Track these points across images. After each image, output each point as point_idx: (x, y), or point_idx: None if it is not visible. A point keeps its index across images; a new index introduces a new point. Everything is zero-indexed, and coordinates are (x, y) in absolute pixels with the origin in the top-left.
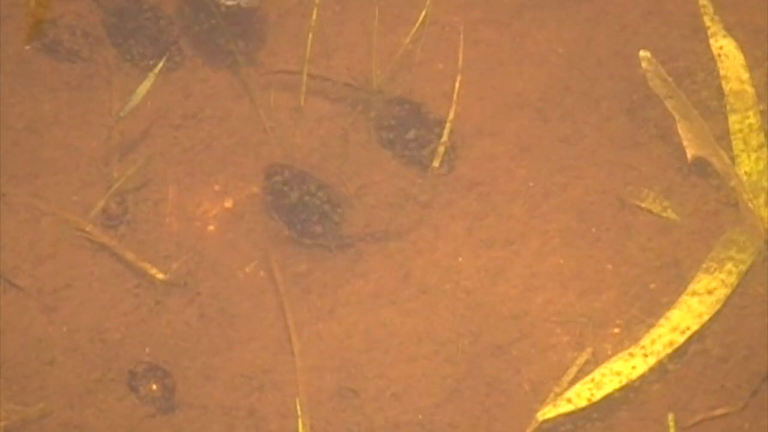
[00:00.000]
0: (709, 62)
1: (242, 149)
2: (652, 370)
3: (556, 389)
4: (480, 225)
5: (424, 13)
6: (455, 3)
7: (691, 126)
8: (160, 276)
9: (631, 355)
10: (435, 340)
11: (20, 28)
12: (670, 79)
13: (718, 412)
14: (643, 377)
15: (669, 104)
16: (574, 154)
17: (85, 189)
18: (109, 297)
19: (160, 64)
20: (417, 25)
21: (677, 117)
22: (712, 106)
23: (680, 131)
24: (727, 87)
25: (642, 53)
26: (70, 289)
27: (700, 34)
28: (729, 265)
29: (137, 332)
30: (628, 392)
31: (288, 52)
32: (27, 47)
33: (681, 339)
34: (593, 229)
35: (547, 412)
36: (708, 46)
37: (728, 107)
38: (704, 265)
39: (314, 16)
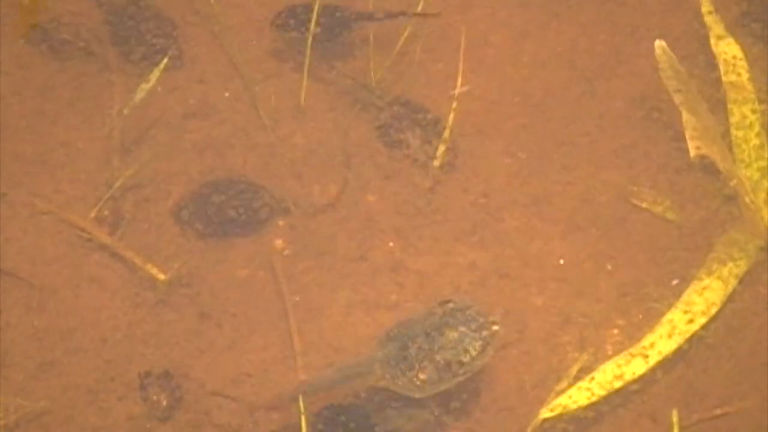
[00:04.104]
0: (710, 62)
1: (243, 149)
2: (652, 369)
3: (557, 388)
4: (480, 224)
5: (420, 9)
6: (457, 2)
7: (698, 122)
8: (161, 276)
9: (632, 354)
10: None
11: (18, 27)
12: (682, 70)
13: (719, 411)
14: (643, 377)
15: (677, 98)
16: (574, 154)
17: (85, 188)
18: (109, 296)
19: (162, 64)
20: (416, 24)
21: (684, 112)
22: (712, 106)
23: (685, 127)
24: (727, 87)
25: (657, 42)
26: (71, 289)
27: (701, 34)
28: (730, 265)
29: (138, 332)
30: (629, 391)
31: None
32: (22, 41)
33: (682, 338)
34: (594, 229)
35: (548, 411)
36: (709, 45)
37: (729, 107)
38: (705, 265)
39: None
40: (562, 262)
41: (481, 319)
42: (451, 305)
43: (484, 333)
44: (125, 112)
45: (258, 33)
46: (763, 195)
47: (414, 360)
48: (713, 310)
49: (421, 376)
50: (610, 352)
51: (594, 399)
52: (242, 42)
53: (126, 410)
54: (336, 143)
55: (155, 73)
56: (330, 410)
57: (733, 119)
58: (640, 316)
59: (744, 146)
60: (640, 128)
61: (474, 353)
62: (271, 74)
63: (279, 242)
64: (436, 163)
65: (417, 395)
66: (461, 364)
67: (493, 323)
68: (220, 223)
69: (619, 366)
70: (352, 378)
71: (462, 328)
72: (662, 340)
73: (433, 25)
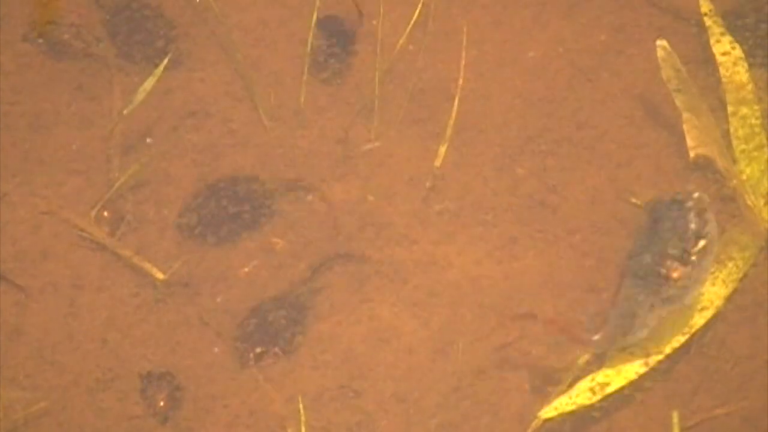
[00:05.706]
0: (710, 62)
1: (243, 149)
2: (653, 369)
3: (558, 388)
4: (481, 225)
5: (418, 10)
6: (458, 2)
7: (698, 122)
8: (161, 276)
9: (633, 354)
10: (435, 339)
11: (21, 26)
12: (683, 69)
13: (719, 411)
14: (644, 376)
15: (677, 98)
16: (575, 154)
17: (86, 188)
18: (109, 296)
19: (163, 63)
20: (413, 22)
21: (684, 112)
22: (712, 106)
23: (685, 128)
24: (727, 87)
25: (659, 42)
26: (71, 288)
27: (701, 34)
28: (730, 265)
29: (138, 332)
30: (630, 391)
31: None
32: (36, 38)
33: (682, 338)
34: (594, 229)
35: (549, 411)
36: (709, 46)
37: (729, 107)
38: None
39: (314, 17)
40: (563, 262)
41: (683, 198)
42: (650, 204)
43: (691, 215)
44: (125, 112)
45: (259, 33)
46: (763, 195)
47: (658, 268)
48: (714, 310)
49: (674, 275)
50: (611, 352)
51: (594, 399)
52: (243, 42)
53: (126, 410)
54: (336, 143)
55: (156, 74)
56: None
57: (733, 119)
58: None
59: (744, 146)
60: (640, 127)
61: (700, 234)
62: (271, 74)
63: (279, 241)
64: (437, 162)
65: (685, 292)
66: (699, 248)
67: (692, 193)
68: (219, 223)
69: (620, 365)
70: (629, 312)
71: (669, 224)
72: (663, 339)
73: (435, 26)
